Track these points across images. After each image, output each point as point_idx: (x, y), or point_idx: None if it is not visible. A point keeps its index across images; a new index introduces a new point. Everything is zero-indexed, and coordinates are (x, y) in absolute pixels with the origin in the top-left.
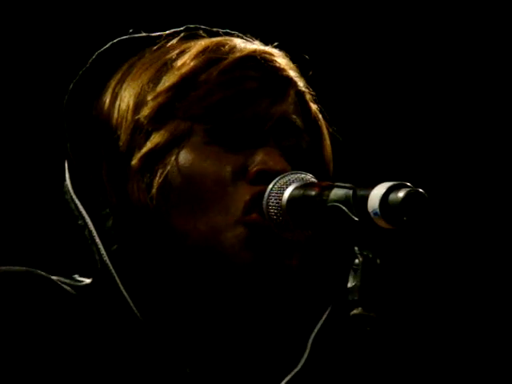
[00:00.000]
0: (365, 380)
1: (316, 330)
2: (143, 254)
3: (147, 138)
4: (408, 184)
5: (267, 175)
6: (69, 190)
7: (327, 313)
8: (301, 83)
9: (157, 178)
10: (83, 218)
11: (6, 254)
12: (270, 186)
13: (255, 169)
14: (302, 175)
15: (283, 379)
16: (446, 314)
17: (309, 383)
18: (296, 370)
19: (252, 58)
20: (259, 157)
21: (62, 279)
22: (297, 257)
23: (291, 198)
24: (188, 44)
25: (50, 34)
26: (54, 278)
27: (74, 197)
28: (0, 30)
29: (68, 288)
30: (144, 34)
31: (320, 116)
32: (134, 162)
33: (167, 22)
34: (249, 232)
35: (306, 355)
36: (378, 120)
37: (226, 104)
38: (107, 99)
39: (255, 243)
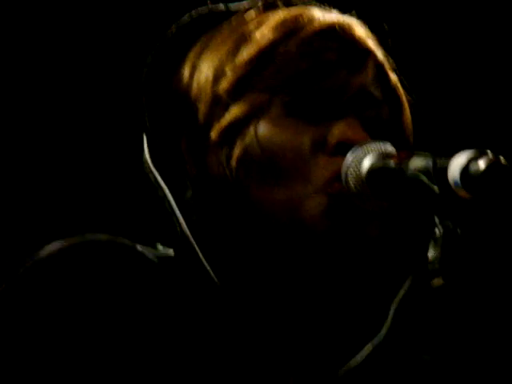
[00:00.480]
0: (445, 349)
1: (398, 298)
2: (222, 224)
3: (226, 111)
4: (489, 152)
5: (347, 147)
6: (148, 163)
7: (409, 281)
8: (380, 53)
9: (236, 151)
10: (162, 189)
11: (91, 223)
12: (348, 155)
13: (335, 140)
14: (381, 145)
15: (364, 346)
16: None
17: (391, 351)
18: (380, 338)
19: (330, 29)
20: (339, 128)
21: (145, 248)
22: (377, 227)
23: (370, 168)
24: (266, 16)
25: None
26: (138, 247)
27: (153, 169)
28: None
29: (151, 256)
30: (222, 6)
31: (399, 86)
32: (213, 134)
33: None
34: (330, 201)
35: (388, 323)
36: (459, 87)
37: (304, 76)
38: (186, 72)
39: (336, 212)
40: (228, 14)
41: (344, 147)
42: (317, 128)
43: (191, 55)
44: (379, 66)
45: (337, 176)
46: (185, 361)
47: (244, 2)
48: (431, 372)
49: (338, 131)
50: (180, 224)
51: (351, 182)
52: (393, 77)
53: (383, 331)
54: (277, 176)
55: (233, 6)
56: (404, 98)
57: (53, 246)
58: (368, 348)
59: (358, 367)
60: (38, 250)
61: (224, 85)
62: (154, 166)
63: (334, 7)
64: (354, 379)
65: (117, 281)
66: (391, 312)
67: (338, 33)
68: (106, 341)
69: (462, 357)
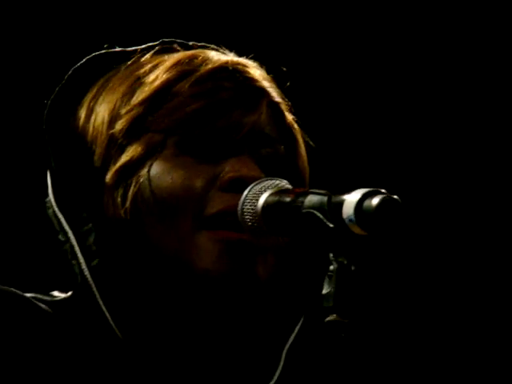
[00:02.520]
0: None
1: (289, 342)
2: (122, 268)
3: (122, 152)
4: (383, 191)
5: (240, 183)
6: (52, 205)
7: (300, 324)
8: (275, 93)
9: (130, 192)
10: (65, 232)
11: None
12: (246, 192)
13: (227, 176)
14: (277, 182)
15: None
16: (419, 318)
17: None
18: (272, 383)
19: (224, 69)
20: (231, 165)
21: (39, 296)
22: (270, 265)
23: (266, 204)
24: (162, 58)
25: (30, 49)
26: (28, 295)
27: (58, 211)
28: None
29: (43, 306)
30: (119, 49)
31: (295, 126)
32: (109, 176)
33: (144, 37)
34: (221, 243)
35: (280, 367)
36: (354, 127)
37: (197, 115)
38: (83, 114)
39: (227, 253)
40: (125, 56)
41: (238, 184)
42: (210, 166)
43: (88, 97)
44: (274, 105)
45: (230, 213)
46: None
47: (143, 45)
48: None
49: (230, 167)
50: (81, 268)
51: (247, 218)
52: (288, 116)
53: (276, 376)
54: (167, 215)
55: (130, 48)
56: (299, 137)
57: None
58: None
59: None
60: None
61: (119, 126)
62: (58, 208)
63: (232, 50)
64: None
65: (3, 332)
66: (283, 355)
67: (232, 73)
68: None
69: None
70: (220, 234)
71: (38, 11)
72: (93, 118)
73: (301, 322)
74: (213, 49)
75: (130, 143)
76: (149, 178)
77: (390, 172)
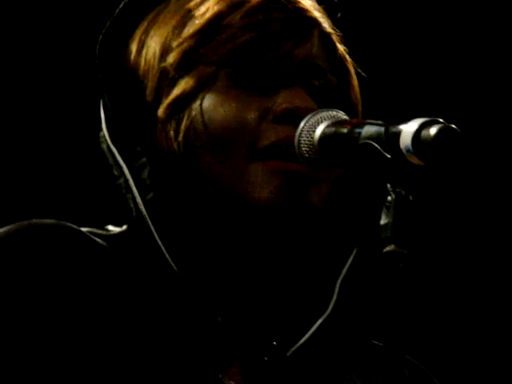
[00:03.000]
0: (397, 317)
1: (343, 273)
2: (177, 201)
3: (174, 86)
4: (440, 120)
5: (293, 114)
6: (106, 140)
7: (353, 255)
8: (326, 24)
9: (183, 125)
10: (120, 167)
11: (37, 204)
12: (302, 123)
13: (280, 108)
14: (334, 112)
15: (314, 324)
16: (476, 250)
17: (340, 327)
18: (326, 315)
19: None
20: (284, 96)
21: (94, 230)
22: (325, 195)
23: (323, 135)
24: None
25: None
26: (84, 229)
27: (112, 146)
28: None
29: (99, 240)
30: None
31: (347, 57)
32: (161, 109)
33: None
34: (276, 173)
35: (334, 299)
36: (405, 58)
37: (249, 47)
38: (134, 48)
39: (283, 184)
40: None
41: (291, 116)
42: (262, 98)
43: (139, 31)
44: (326, 36)
45: (285, 143)
46: (132, 343)
47: None
48: (381, 355)
49: (282, 99)
50: (136, 202)
51: (304, 149)
52: (340, 48)
53: (330, 307)
54: (222, 148)
55: None
56: (352, 68)
57: None
58: (316, 326)
59: (305, 347)
60: None
61: (171, 59)
62: (112, 143)
63: None
64: (301, 359)
65: (61, 265)
66: (337, 287)
67: (283, 3)
68: (49, 327)
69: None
70: (275, 165)
71: None
72: (144, 51)
73: (354, 252)
74: None
75: (181, 76)
76: (201, 111)
77: (443, 102)
